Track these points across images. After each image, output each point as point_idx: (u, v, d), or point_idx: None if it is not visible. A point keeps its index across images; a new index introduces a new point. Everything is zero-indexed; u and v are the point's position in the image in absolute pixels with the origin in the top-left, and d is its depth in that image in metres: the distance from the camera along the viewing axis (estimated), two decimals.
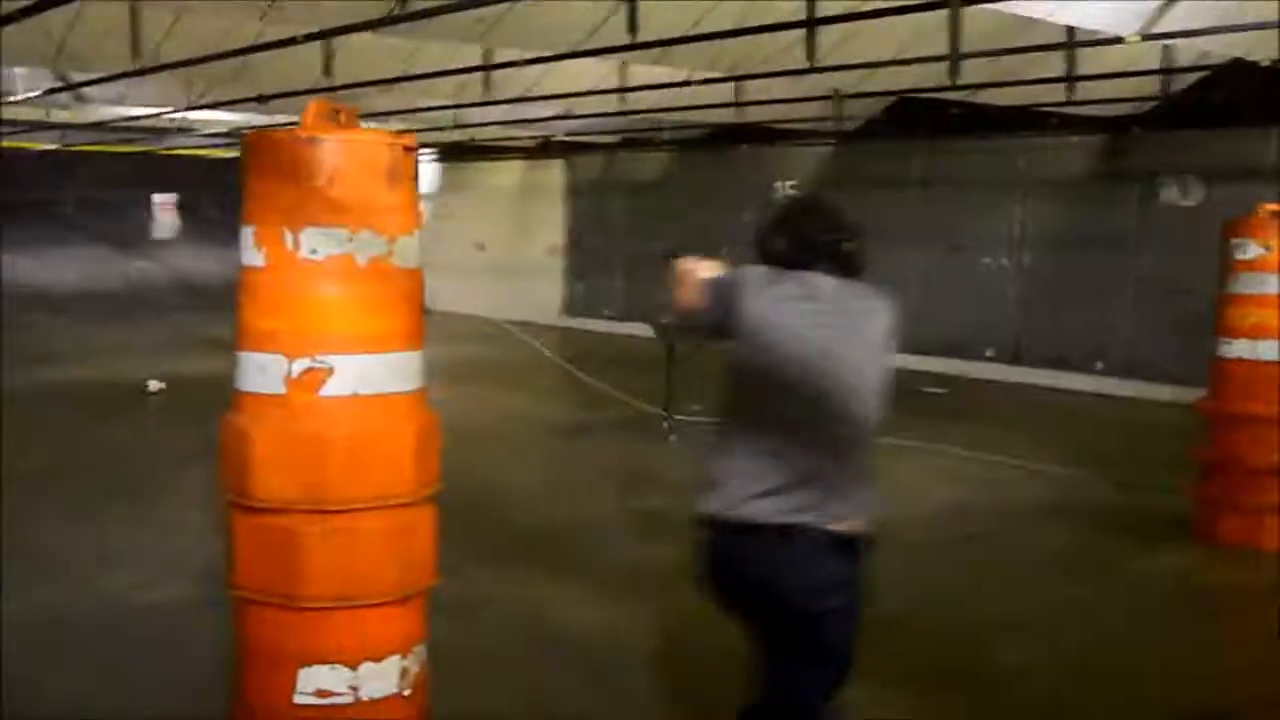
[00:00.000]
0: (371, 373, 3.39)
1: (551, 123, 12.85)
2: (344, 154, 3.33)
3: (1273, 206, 6.29)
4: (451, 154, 18.60)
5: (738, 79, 9.11)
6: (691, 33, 6.75)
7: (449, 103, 10.19)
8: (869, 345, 2.96)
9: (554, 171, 17.67)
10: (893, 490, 7.74)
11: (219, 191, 19.35)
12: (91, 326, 15.88)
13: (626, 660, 4.71)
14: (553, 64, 9.09)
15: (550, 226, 17.70)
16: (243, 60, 8.88)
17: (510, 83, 9.08)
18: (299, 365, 3.34)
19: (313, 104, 3.40)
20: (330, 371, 3.34)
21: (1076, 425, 10.42)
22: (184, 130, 15.39)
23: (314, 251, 3.31)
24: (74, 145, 17.54)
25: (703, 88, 10.09)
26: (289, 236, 3.31)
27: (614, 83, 9.78)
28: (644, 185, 16.33)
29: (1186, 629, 5.23)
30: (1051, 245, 12.07)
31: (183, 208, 20.19)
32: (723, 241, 14.79)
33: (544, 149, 17.06)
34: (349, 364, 3.36)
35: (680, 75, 9.14)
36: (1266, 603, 5.53)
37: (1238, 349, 6.33)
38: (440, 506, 3.60)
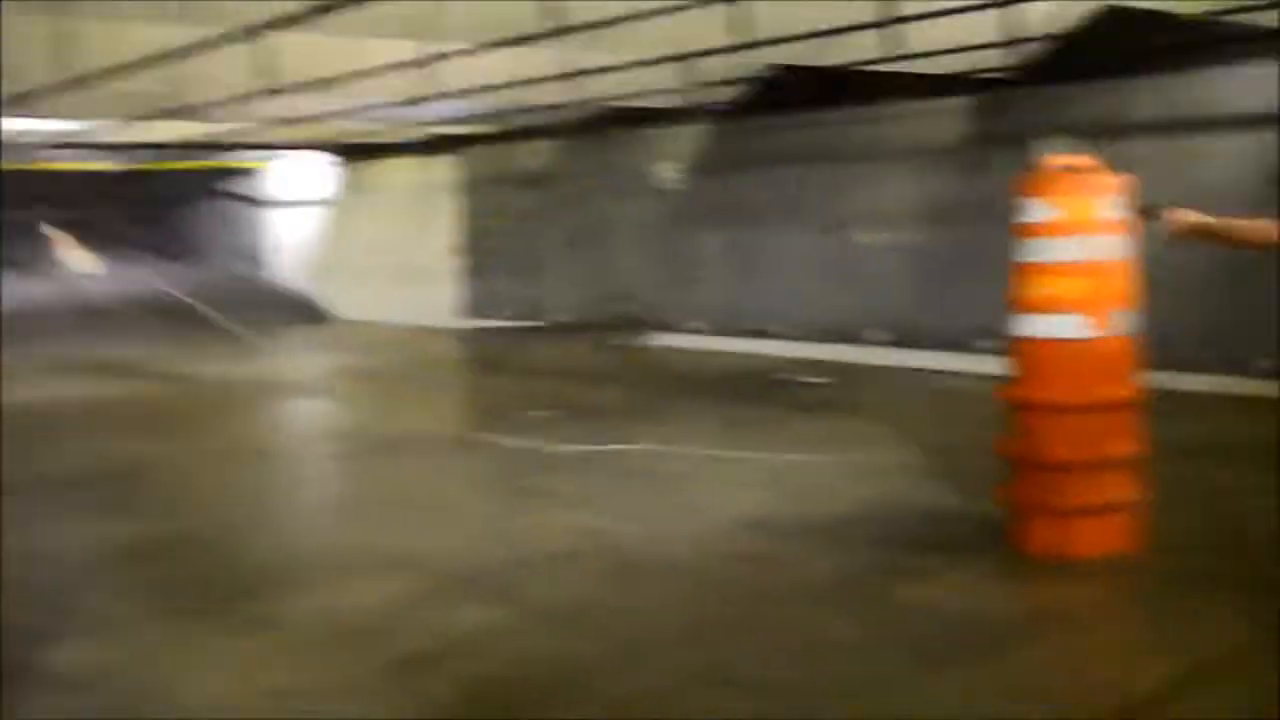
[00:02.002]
0: None
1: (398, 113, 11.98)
2: None
3: (1063, 159, 5.39)
4: (346, 155, 17.77)
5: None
6: None
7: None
8: None
9: (447, 168, 16.79)
10: (691, 500, 6.84)
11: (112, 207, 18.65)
12: None
13: None
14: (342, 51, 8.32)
15: (448, 225, 16.83)
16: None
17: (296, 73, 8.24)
18: None
19: None
20: None
21: (953, 413, 9.51)
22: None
23: None
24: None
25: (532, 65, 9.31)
26: None
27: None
28: (533, 178, 15.45)
29: (934, 673, 4.27)
30: (931, 219, 11.15)
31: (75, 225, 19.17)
32: (616, 228, 14.08)
33: (432, 145, 16.21)
34: None
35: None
36: (1045, 635, 4.65)
37: (1031, 326, 5.45)
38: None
